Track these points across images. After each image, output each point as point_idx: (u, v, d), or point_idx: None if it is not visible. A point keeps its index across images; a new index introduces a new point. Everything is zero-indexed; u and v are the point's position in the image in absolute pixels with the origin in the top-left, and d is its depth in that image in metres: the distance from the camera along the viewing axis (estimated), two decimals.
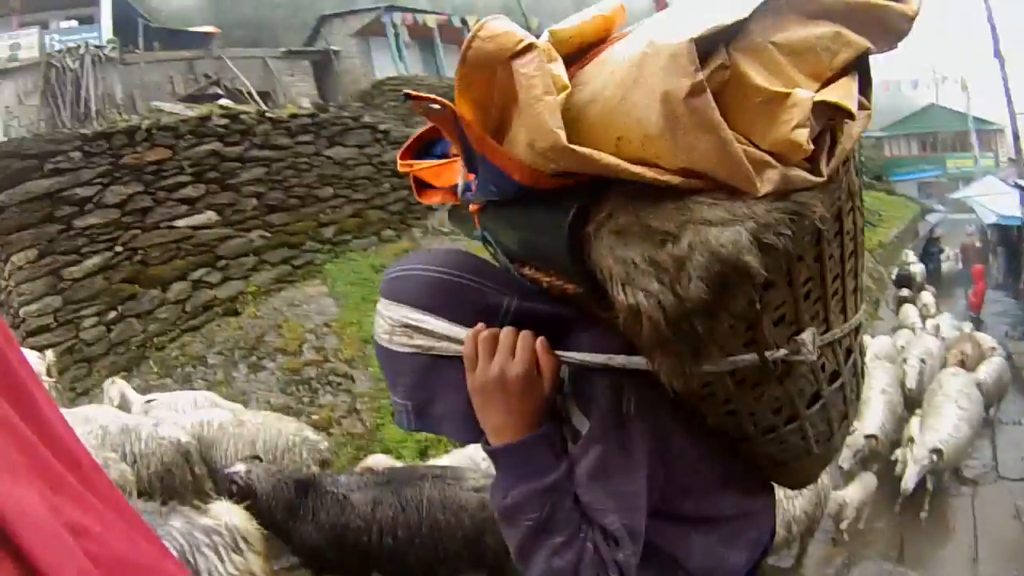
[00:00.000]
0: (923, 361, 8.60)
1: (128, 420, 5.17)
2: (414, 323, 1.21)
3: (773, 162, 0.94)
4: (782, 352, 1.10)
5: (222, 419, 5.56)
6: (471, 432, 1.22)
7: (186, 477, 4.95)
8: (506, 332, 1.17)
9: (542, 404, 1.18)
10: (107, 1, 19.98)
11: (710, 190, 0.97)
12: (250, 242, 10.68)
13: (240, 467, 4.40)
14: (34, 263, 8.77)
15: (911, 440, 6.69)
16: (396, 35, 22.91)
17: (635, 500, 1.12)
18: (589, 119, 1.03)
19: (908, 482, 6.25)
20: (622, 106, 0.99)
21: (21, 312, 8.61)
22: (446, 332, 1.21)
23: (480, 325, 1.18)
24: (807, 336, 1.10)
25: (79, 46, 16.90)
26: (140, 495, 4.60)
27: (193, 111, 11.44)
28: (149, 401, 6.28)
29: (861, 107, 1.02)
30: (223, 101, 13.82)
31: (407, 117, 14.45)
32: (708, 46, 0.92)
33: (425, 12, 24.63)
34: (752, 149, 0.94)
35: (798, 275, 1.07)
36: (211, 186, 10.45)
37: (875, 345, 9.41)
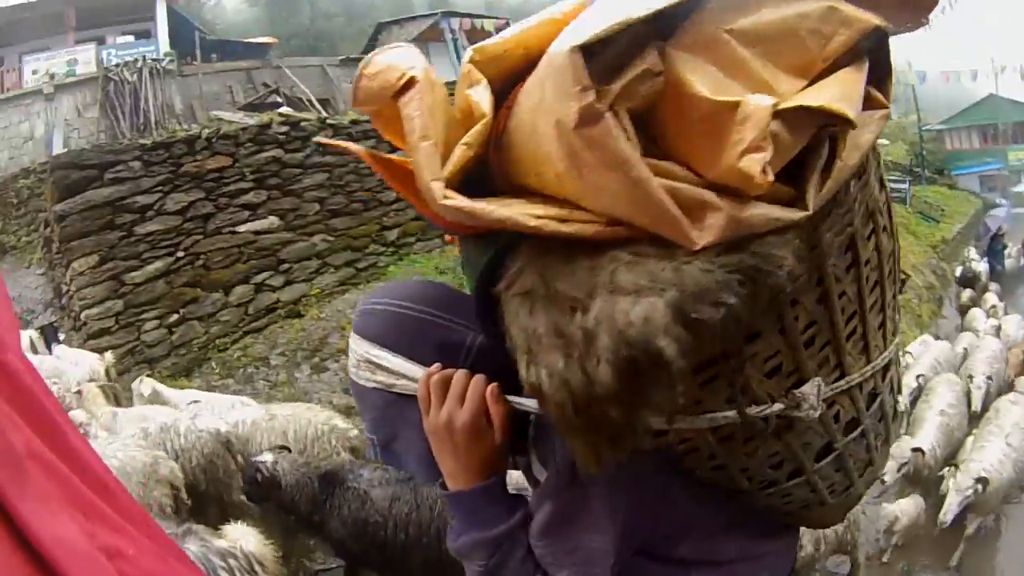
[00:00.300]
0: (990, 379, 8.12)
1: (166, 417, 5.28)
2: (375, 360, 1.18)
3: (716, 202, 0.73)
4: (777, 407, 0.93)
5: (254, 416, 5.63)
6: (431, 472, 1.17)
7: (229, 466, 5.01)
8: (457, 377, 1.10)
9: (492, 453, 1.10)
10: (163, 16, 20.48)
11: (639, 240, 0.78)
12: (313, 246, 10.77)
13: (267, 456, 4.47)
14: (95, 268, 9.04)
15: (955, 466, 6.18)
16: (454, 40, 22.90)
17: (594, 556, 1.05)
18: (517, 147, 0.90)
19: (947, 514, 5.68)
20: (533, 136, 0.84)
21: (83, 315, 8.89)
22: (404, 371, 1.16)
23: (435, 367, 1.11)
24: (809, 388, 0.93)
25: (136, 59, 17.32)
26: (186, 490, 4.72)
27: (253, 119, 11.65)
28: (195, 402, 6.45)
29: (874, 105, 0.82)
30: (283, 109, 14.05)
31: None
32: (630, 45, 0.74)
33: (483, 17, 24.70)
34: (685, 187, 0.75)
35: (793, 322, 0.90)
36: (273, 192, 10.58)
37: (936, 350, 9.02)
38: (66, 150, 12.57)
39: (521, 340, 0.81)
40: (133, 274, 9.20)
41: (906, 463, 6.07)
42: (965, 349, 9.56)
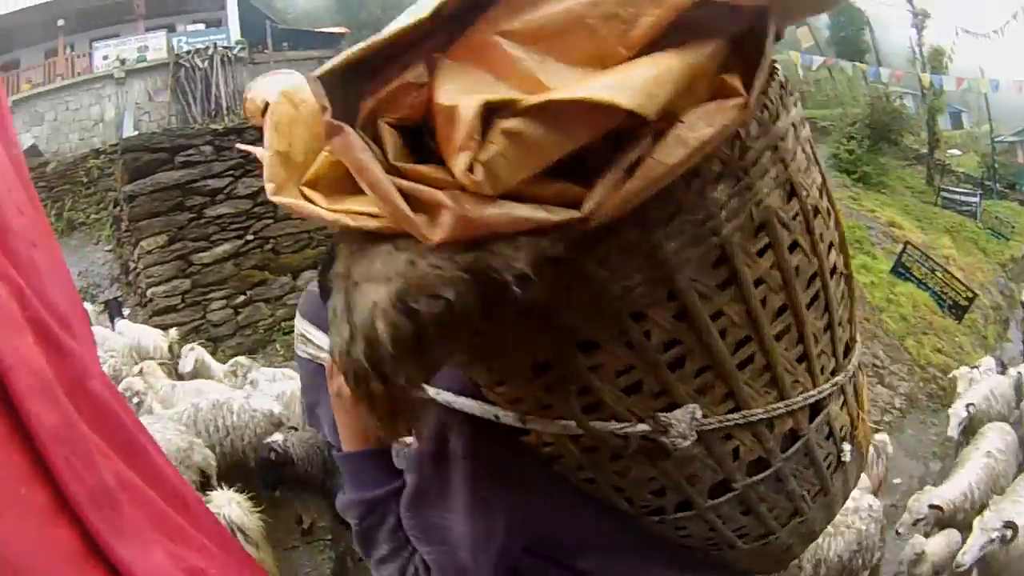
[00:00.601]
0: None
1: (219, 395, 5.43)
2: (306, 334, 1.30)
3: (446, 202, 0.71)
4: (641, 428, 0.89)
5: (293, 388, 5.78)
6: (338, 437, 1.27)
7: None
8: None
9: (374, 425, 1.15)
10: (234, 4, 20.84)
11: (408, 235, 0.79)
12: None
13: (278, 436, 4.71)
14: (164, 248, 9.29)
15: (986, 506, 5.32)
16: None
17: (455, 537, 1.07)
18: None
19: (966, 555, 4.75)
20: None
21: (149, 292, 9.13)
22: (324, 345, 1.26)
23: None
24: (681, 414, 0.89)
25: (207, 47, 17.70)
26: (234, 467, 4.91)
27: None
28: (239, 370, 6.77)
29: (728, 93, 0.72)
30: None
31: None
32: (405, 58, 0.76)
33: None
34: (423, 188, 0.74)
35: (643, 337, 0.84)
36: None
37: (993, 382, 8.06)
38: (136, 133, 12.89)
39: (330, 315, 0.83)
40: (201, 255, 9.41)
41: (922, 519, 5.42)
42: (1020, 373, 8.65)
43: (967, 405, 7.29)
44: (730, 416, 0.93)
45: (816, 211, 0.91)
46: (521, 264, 0.70)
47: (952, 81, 19.72)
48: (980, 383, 8.01)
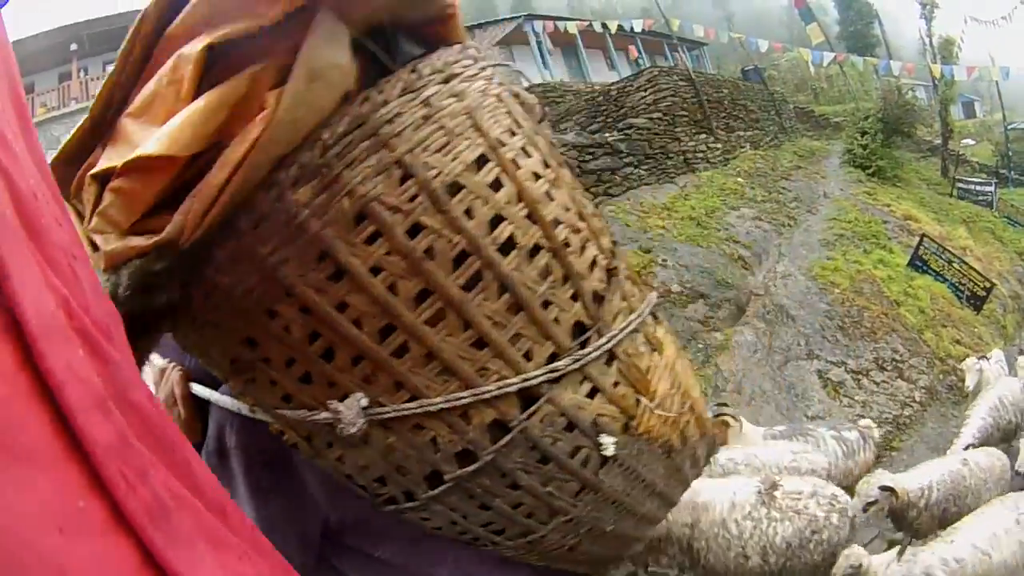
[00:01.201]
0: None
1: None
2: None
3: (101, 243, 0.88)
4: (323, 416, 0.95)
5: None
6: None
7: None
8: (166, 368, 1.32)
9: (181, 426, 1.27)
10: None
11: None
12: None
13: None
14: None
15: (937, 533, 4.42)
16: (539, 43, 22.89)
17: None
18: None
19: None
20: None
21: None
22: (158, 364, 1.35)
23: (164, 361, 1.33)
24: (349, 402, 0.93)
25: None
26: None
27: None
28: None
29: (264, 108, 0.82)
30: None
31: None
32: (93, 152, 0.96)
33: (566, 19, 24.55)
34: (97, 235, 0.90)
35: (283, 331, 0.91)
36: None
37: (1004, 387, 6.81)
38: None
39: None
40: None
41: (873, 502, 4.63)
42: None
43: (966, 447, 6.17)
44: (406, 405, 0.94)
45: (458, 187, 0.90)
46: (124, 280, 0.86)
47: (963, 70, 19.50)
48: (983, 399, 6.81)
